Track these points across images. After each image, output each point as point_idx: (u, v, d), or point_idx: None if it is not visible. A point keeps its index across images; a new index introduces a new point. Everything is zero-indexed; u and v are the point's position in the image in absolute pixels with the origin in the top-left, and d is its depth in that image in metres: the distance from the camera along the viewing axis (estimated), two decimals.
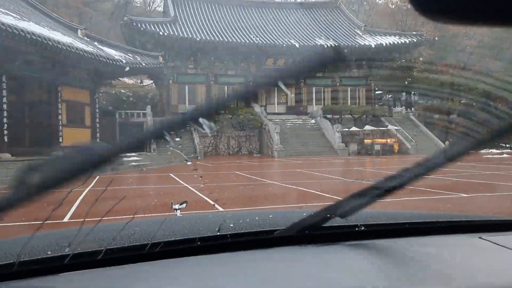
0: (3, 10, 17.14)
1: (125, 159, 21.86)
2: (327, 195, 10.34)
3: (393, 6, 60.76)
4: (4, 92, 17.09)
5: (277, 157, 29.10)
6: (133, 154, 24.00)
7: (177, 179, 15.32)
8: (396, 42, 38.75)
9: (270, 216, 1.22)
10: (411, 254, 1.08)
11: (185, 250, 1.03)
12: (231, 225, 1.12)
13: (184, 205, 2.58)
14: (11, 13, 17.46)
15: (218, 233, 1.07)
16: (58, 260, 0.94)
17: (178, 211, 2.53)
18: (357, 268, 0.96)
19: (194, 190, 11.95)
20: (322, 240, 1.11)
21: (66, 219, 8.01)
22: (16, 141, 18.67)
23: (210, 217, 1.27)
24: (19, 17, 17.74)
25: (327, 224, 1.10)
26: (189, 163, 25.00)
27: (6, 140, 17.05)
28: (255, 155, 32.08)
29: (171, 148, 26.98)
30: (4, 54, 16.36)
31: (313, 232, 1.10)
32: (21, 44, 15.47)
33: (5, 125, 17.04)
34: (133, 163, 21.45)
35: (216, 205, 8.79)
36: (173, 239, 1.03)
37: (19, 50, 16.06)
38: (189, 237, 1.05)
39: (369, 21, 58.88)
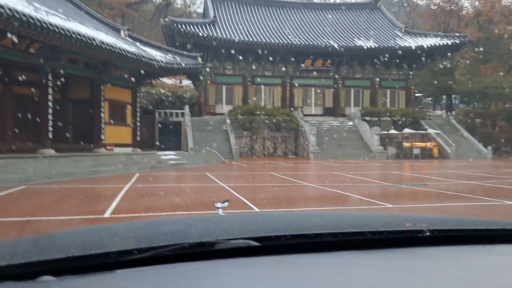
0: (51, 11, 17.77)
1: (163, 157, 22.27)
2: (365, 198, 10.19)
3: (435, 7, 59.23)
4: (50, 90, 17.70)
5: (313, 159, 28.89)
6: (171, 152, 24.45)
7: (214, 178, 15.46)
8: (437, 44, 37.75)
9: (348, 218, 1.19)
10: (476, 263, 1.03)
11: (242, 250, 0.99)
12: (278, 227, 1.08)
13: (226, 203, 2.59)
14: (58, 14, 18.08)
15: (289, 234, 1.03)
16: (104, 257, 0.91)
17: (220, 209, 2.54)
18: (429, 276, 0.92)
19: (229, 189, 12.03)
20: (386, 244, 1.08)
21: (107, 215, 8.19)
22: (59, 138, 19.32)
23: (256, 217, 1.25)
24: (65, 17, 18.34)
25: (384, 229, 1.08)
26: (225, 162, 25.17)
27: (50, 136, 17.65)
28: (290, 156, 31.98)
29: (208, 148, 27.28)
30: (51, 53, 16.97)
31: (379, 236, 1.08)
32: (67, 43, 15.98)
33: (50, 122, 17.64)
34: (172, 162, 21.82)
35: (252, 205, 8.81)
36: (228, 237, 1.00)
37: (65, 49, 16.59)
38: (243, 236, 1.01)
39: (409, 23, 57.68)
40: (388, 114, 35.71)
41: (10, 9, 13.16)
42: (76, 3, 24.38)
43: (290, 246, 1.01)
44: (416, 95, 44.17)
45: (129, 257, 0.90)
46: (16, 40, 15.21)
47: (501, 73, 42.70)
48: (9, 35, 14.62)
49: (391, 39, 38.89)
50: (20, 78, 17.87)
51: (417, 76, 40.94)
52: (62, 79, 18.87)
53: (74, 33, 15.81)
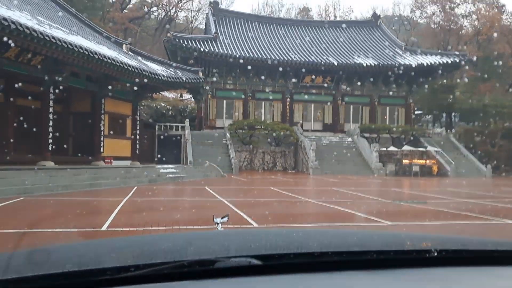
0: (54, 25, 17.95)
1: (162, 171, 22.26)
2: (364, 215, 10.16)
3: (435, 26, 59.79)
4: (51, 102, 17.78)
5: (312, 174, 28.86)
6: (171, 166, 24.43)
7: (212, 192, 15.42)
8: (437, 62, 38.00)
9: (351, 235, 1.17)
10: (486, 286, 0.99)
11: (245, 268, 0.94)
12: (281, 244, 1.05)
13: (225, 218, 2.59)
14: (62, 28, 18.26)
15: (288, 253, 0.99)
16: (100, 274, 0.87)
17: (220, 224, 2.53)
18: None
19: (228, 204, 11.99)
20: (392, 265, 1.05)
21: (104, 228, 8.15)
22: (59, 150, 19.32)
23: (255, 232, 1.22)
24: (68, 31, 18.52)
25: (390, 249, 1.06)
26: (224, 176, 25.13)
27: (50, 148, 17.67)
28: (289, 171, 31.95)
29: (207, 162, 27.27)
30: (53, 66, 17.08)
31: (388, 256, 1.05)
32: (69, 56, 16.10)
33: (50, 134, 17.67)
34: (170, 175, 21.79)
35: (251, 220, 8.78)
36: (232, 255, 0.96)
37: (67, 62, 16.71)
38: (247, 254, 0.97)
39: (409, 41, 58.14)
40: (387, 131, 35.76)
41: (13, 22, 13.29)
42: (80, 17, 24.62)
43: (294, 265, 0.98)
44: (416, 112, 44.36)
45: (126, 274, 0.88)
46: (19, 52, 15.35)
47: (501, 92, 42.91)
48: (12, 47, 14.74)
49: (391, 57, 39.16)
50: (22, 90, 17.96)
51: (417, 94, 41.15)
52: (64, 92, 18.96)
53: (76, 46, 15.93)
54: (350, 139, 35.24)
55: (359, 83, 38.53)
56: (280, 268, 0.96)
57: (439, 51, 44.02)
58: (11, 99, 18.32)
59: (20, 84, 17.86)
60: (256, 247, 1.03)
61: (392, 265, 1.05)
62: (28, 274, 0.84)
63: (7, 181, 13.24)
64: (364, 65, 36.65)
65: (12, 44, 14.37)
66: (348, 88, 39.13)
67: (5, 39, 13.63)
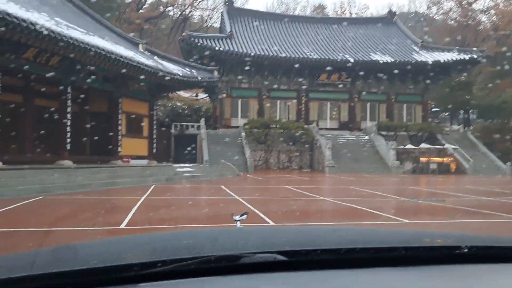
0: (71, 25, 18.15)
1: (179, 170, 22.38)
2: (382, 213, 10.07)
3: (452, 22, 58.95)
4: (69, 102, 18.01)
5: (329, 173, 28.72)
6: (187, 165, 24.56)
7: (228, 191, 15.45)
8: (454, 59, 37.46)
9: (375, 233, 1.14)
10: None
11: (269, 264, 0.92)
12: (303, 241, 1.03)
13: (245, 216, 2.58)
14: (79, 28, 18.45)
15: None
16: (126, 270, 0.86)
17: (239, 222, 2.52)
18: None
19: (244, 202, 12.00)
20: (420, 262, 1.02)
21: (122, 226, 8.22)
22: (77, 149, 19.58)
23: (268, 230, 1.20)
24: (85, 31, 18.71)
25: (418, 245, 1.04)
26: (240, 175, 25.17)
27: (68, 148, 17.90)
28: (305, 170, 31.84)
29: (223, 161, 27.33)
30: (70, 66, 17.29)
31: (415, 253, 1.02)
32: (86, 57, 16.29)
33: (69, 133, 17.90)
34: (187, 174, 21.90)
35: (267, 219, 8.77)
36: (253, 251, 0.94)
37: (84, 62, 16.90)
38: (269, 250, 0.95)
39: (426, 37, 57.42)
40: (404, 128, 35.41)
41: (32, 23, 13.48)
42: (96, 17, 24.88)
43: (319, 262, 0.95)
44: (433, 109, 43.86)
45: (152, 270, 0.86)
46: (37, 53, 15.57)
47: None
48: (31, 48, 14.97)
49: (408, 54, 38.75)
50: (40, 90, 18.23)
51: (434, 91, 40.63)
52: (81, 92, 19.18)
53: (93, 46, 16.10)
54: (367, 137, 34.98)
55: (375, 81, 38.21)
56: (305, 264, 0.95)
57: (456, 47, 43.38)
58: (30, 99, 18.63)
59: (38, 84, 18.17)
60: (280, 243, 1.01)
61: (419, 263, 1.02)
62: (54, 270, 0.84)
63: (27, 180, 13.45)
64: (381, 62, 36.34)
65: (30, 45, 14.61)
66: (364, 86, 38.85)
67: (24, 40, 13.85)
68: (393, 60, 36.93)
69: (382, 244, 1.05)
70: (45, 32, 13.96)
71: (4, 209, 9.86)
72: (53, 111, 18.35)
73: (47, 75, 16.48)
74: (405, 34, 43.54)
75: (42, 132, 18.26)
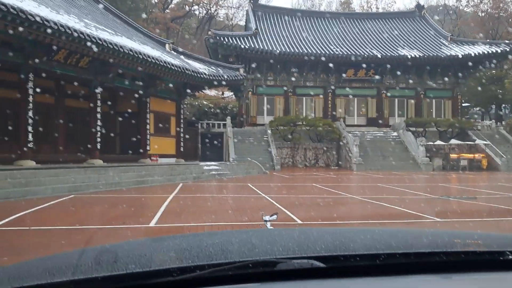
0: (100, 27, 18.50)
1: (206, 168, 22.56)
2: (412, 212, 9.91)
3: (483, 14, 57.37)
4: (99, 103, 18.37)
5: (356, 170, 28.43)
6: (214, 163, 24.72)
7: (255, 189, 15.48)
8: (485, 52, 36.43)
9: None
10: None
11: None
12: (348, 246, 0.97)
13: (274, 216, 2.57)
14: (107, 29, 18.80)
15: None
16: (164, 275, 0.85)
17: (268, 222, 2.51)
18: None
19: (271, 200, 12.00)
20: (463, 267, 0.97)
21: (152, 224, 8.34)
22: (107, 149, 19.97)
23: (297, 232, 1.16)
24: (113, 32, 19.05)
25: (461, 250, 0.99)
26: (266, 173, 25.17)
27: (98, 147, 18.27)
28: (332, 167, 31.60)
29: (249, 159, 27.39)
30: (100, 67, 17.63)
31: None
32: (114, 57, 16.58)
33: (99, 133, 18.27)
34: (214, 172, 22.05)
35: (295, 217, 8.74)
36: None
37: (113, 63, 17.21)
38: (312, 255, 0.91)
39: (455, 31, 56.11)
40: (433, 124, 34.72)
41: (62, 26, 13.80)
42: (124, 18, 25.27)
43: (358, 268, 0.91)
44: (463, 104, 42.80)
45: (190, 275, 0.85)
46: (67, 55, 15.93)
47: None
48: (61, 50, 15.33)
49: (437, 48, 37.93)
50: (71, 91, 18.65)
51: (464, 85, 39.66)
52: (110, 92, 19.53)
53: (121, 47, 16.37)
54: (395, 133, 34.46)
55: (403, 76, 37.57)
56: (344, 271, 0.91)
57: (487, 40, 42.20)
58: (61, 100, 19.08)
59: (69, 85, 18.60)
60: (315, 248, 0.97)
61: (463, 268, 0.97)
62: (95, 275, 0.84)
63: (59, 179, 13.80)
64: (409, 57, 35.68)
65: (61, 47, 14.96)
66: (392, 81, 38.25)
67: (54, 42, 14.20)
68: (421, 54, 36.22)
69: (422, 248, 1.00)
70: (75, 34, 14.28)
71: (37, 207, 10.15)
72: (84, 111, 18.77)
73: (77, 76, 16.87)
74: (433, 28, 42.64)
75: (74, 132, 18.70)
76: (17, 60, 14.53)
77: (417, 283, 0.91)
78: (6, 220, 8.34)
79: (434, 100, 39.15)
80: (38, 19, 12.89)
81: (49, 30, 13.41)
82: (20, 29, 12.73)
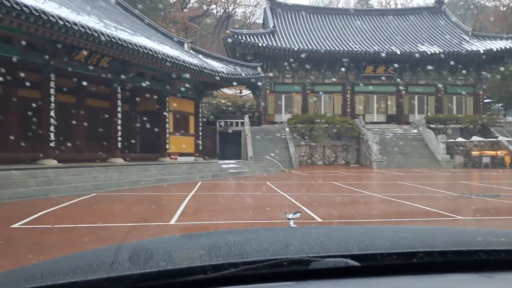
0: (119, 27, 18.71)
1: (224, 166, 22.65)
2: (434, 209, 9.78)
3: (505, 8, 56.17)
4: (119, 102, 18.59)
5: (376, 168, 28.18)
6: (232, 161, 24.80)
7: (274, 187, 15.47)
8: (507, 47, 35.65)
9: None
10: None
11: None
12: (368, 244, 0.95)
13: (298, 214, 2.56)
14: (127, 29, 19.00)
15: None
16: (197, 272, 0.83)
17: (292, 220, 2.50)
18: None
19: (290, 198, 11.98)
20: (504, 266, 0.93)
21: (173, 222, 8.40)
22: (128, 147, 20.21)
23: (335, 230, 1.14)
24: (133, 32, 19.24)
25: (502, 248, 0.95)
26: (284, 171, 25.14)
27: (119, 146, 18.50)
28: (352, 165, 31.38)
29: (267, 157, 27.38)
30: (120, 67, 17.84)
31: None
32: (134, 57, 16.75)
33: (119, 132, 18.49)
34: (232, 170, 22.13)
35: (315, 216, 8.71)
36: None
37: (132, 63, 17.40)
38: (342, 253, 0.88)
39: (476, 26, 55.04)
40: (454, 121, 34.18)
41: (82, 26, 14.00)
42: (143, 18, 25.51)
43: (395, 267, 0.88)
44: (485, 101, 42.02)
45: (223, 273, 0.84)
46: (88, 55, 16.15)
47: None
48: (82, 50, 15.55)
49: (457, 43, 37.30)
50: (92, 91, 18.91)
51: (486, 81, 38.92)
52: (130, 92, 19.73)
53: (141, 47, 16.53)
54: (415, 130, 34.03)
55: (423, 72, 37.06)
56: (379, 270, 0.88)
57: (510, 35, 41.30)
58: (82, 100, 19.37)
59: (90, 85, 18.87)
60: (347, 246, 0.95)
61: (499, 268, 0.93)
62: (130, 273, 0.84)
63: (81, 178, 14.02)
64: (429, 53, 35.16)
65: (82, 48, 15.18)
66: (412, 78, 37.77)
67: (75, 43, 14.42)
68: (441, 50, 35.64)
69: (461, 246, 0.96)
70: (95, 35, 14.47)
71: (60, 206, 10.32)
72: (105, 110, 19.01)
73: (98, 76, 17.10)
74: (454, 23, 41.94)
75: (95, 131, 18.96)
76: (39, 61, 14.79)
77: (457, 282, 0.88)
78: (30, 218, 8.50)
79: (455, 97, 38.51)
80: (59, 20, 13.10)
81: (70, 31, 13.63)
82: (42, 30, 12.96)
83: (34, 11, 12.27)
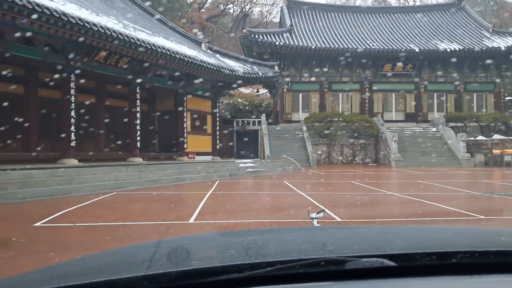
0: (138, 27, 18.87)
1: (241, 165, 22.68)
2: (455, 209, 9.64)
3: None
4: (138, 102, 18.75)
5: (395, 167, 27.90)
6: (249, 160, 24.83)
7: (291, 186, 15.43)
8: None
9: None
10: None
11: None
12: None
13: (321, 214, 2.54)
14: (145, 30, 19.15)
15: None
16: (235, 271, 0.83)
17: (315, 220, 2.49)
18: None
19: (308, 197, 11.93)
20: None
21: (191, 221, 8.44)
22: (147, 147, 20.38)
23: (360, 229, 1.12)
24: (151, 32, 19.38)
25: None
26: (302, 170, 25.07)
27: (138, 145, 18.67)
28: (370, 164, 31.13)
29: (284, 156, 27.34)
30: (138, 67, 18.00)
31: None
32: (152, 57, 16.89)
33: (138, 131, 18.66)
34: (249, 169, 22.15)
35: (334, 215, 8.66)
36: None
37: (151, 63, 17.53)
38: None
39: (497, 22, 53.99)
40: (475, 119, 33.66)
41: (102, 27, 14.16)
42: (161, 18, 25.68)
43: (433, 267, 0.86)
44: (507, 98, 41.21)
45: (258, 272, 0.82)
46: (107, 55, 16.33)
47: None
48: (101, 51, 15.73)
49: (478, 40, 36.68)
50: (111, 91, 19.12)
51: (508, 78, 38.19)
52: (149, 92, 19.88)
53: (159, 47, 16.66)
54: (434, 129, 33.61)
55: (442, 70, 36.56)
56: (416, 270, 0.85)
57: None
58: (102, 100, 19.59)
59: (109, 85, 19.08)
60: (380, 246, 0.93)
61: None
62: (168, 270, 0.83)
63: (101, 177, 14.19)
64: (448, 50, 34.67)
65: (101, 48, 15.35)
66: (431, 75, 37.28)
67: (95, 43, 14.60)
68: (461, 47, 35.11)
69: (498, 246, 0.94)
70: (114, 35, 14.62)
71: (81, 204, 10.47)
72: (124, 110, 19.21)
73: (117, 76, 17.27)
74: (474, 20, 41.25)
75: (114, 130, 19.17)
76: (59, 61, 15.00)
77: (499, 283, 0.85)
78: (52, 216, 8.63)
79: (475, 94, 37.89)
80: (79, 21, 13.27)
81: (89, 32, 13.81)
82: (62, 31, 13.15)
83: (54, 13, 12.45)
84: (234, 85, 25.05)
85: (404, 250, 0.90)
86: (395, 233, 1.05)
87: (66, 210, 9.55)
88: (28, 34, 13.14)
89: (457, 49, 34.88)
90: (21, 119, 14.85)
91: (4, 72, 13.28)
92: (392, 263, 0.84)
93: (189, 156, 21.84)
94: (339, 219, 8.27)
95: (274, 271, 0.83)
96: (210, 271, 0.84)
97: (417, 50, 34.60)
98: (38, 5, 11.92)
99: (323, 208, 9.41)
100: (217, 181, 17.28)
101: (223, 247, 1.00)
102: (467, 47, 35.07)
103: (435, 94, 37.76)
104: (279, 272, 0.83)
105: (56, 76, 14.75)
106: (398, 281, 0.83)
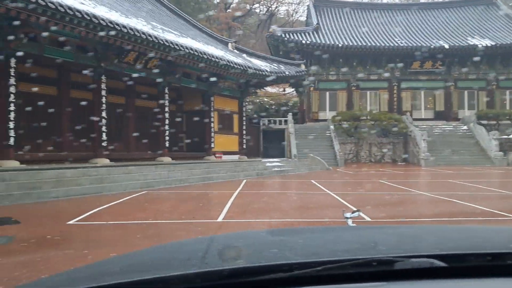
0: (166, 28, 19.12)
1: (268, 164, 22.70)
2: (488, 209, 9.40)
3: None
4: (166, 102, 19.02)
5: (424, 166, 27.40)
6: (276, 160, 24.81)
7: (319, 185, 15.35)
8: None
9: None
10: None
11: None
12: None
13: (356, 213, 2.52)
14: (173, 31, 19.39)
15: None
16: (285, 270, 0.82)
17: (350, 220, 2.47)
18: None
19: (337, 197, 11.85)
20: None
21: (219, 219, 8.52)
22: (175, 146, 20.63)
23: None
24: (179, 33, 19.61)
25: None
26: (329, 169, 24.90)
27: (167, 145, 18.92)
28: (399, 163, 30.66)
29: (311, 155, 27.20)
30: (167, 68, 18.24)
31: None
32: (181, 58, 17.09)
33: (167, 131, 18.91)
34: (276, 169, 22.14)
35: (363, 215, 8.58)
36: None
37: (179, 63, 17.74)
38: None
39: None
40: (507, 116, 32.70)
41: (131, 29, 14.41)
42: (189, 20, 25.94)
43: (482, 268, 0.84)
44: None
45: (310, 271, 0.82)
46: (136, 57, 16.61)
47: None
48: (131, 52, 16.01)
49: (510, 35, 35.63)
50: (140, 92, 19.43)
51: None
52: (177, 92, 20.08)
53: (187, 48, 16.85)
54: (465, 127, 32.83)
55: (473, 66, 35.67)
56: (464, 271, 0.84)
57: None
58: (131, 100, 19.93)
59: (138, 86, 19.39)
60: (425, 246, 0.92)
61: None
62: (220, 268, 0.84)
63: (132, 176, 14.44)
64: (479, 46, 33.78)
65: (131, 49, 15.63)
66: (461, 72, 36.40)
67: (125, 45, 14.86)
68: (493, 43, 34.17)
69: None
70: (143, 36, 14.86)
71: (112, 203, 10.69)
72: (153, 110, 19.49)
73: (146, 77, 17.53)
74: (507, 15, 40.07)
75: (143, 131, 19.49)
76: (90, 63, 15.34)
77: None
78: (85, 215, 8.85)
79: (508, 91, 36.81)
80: (109, 23, 13.54)
81: (119, 34, 14.08)
82: (93, 33, 13.45)
83: (85, 15, 12.74)
84: (261, 85, 25.09)
85: (454, 250, 0.89)
86: (438, 233, 1.04)
87: (98, 208, 9.76)
88: (60, 36, 13.49)
89: (489, 44, 33.97)
90: (54, 120, 15.25)
91: (38, 74, 13.67)
92: (443, 264, 0.83)
93: (216, 155, 21.99)
94: (369, 219, 8.18)
95: (324, 270, 0.82)
96: (261, 269, 0.84)
97: (446, 46, 33.87)
98: (70, 8, 12.22)
99: (353, 208, 9.33)
100: (244, 181, 17.35)
101: (271, 245, 1.00)
102: (500, 43, 34.13)
103: (466, 92, 36.86)
104: (329, 272, 0.83)
105: (87, 77, 15.11)
106: (449, 282, 0.82)
